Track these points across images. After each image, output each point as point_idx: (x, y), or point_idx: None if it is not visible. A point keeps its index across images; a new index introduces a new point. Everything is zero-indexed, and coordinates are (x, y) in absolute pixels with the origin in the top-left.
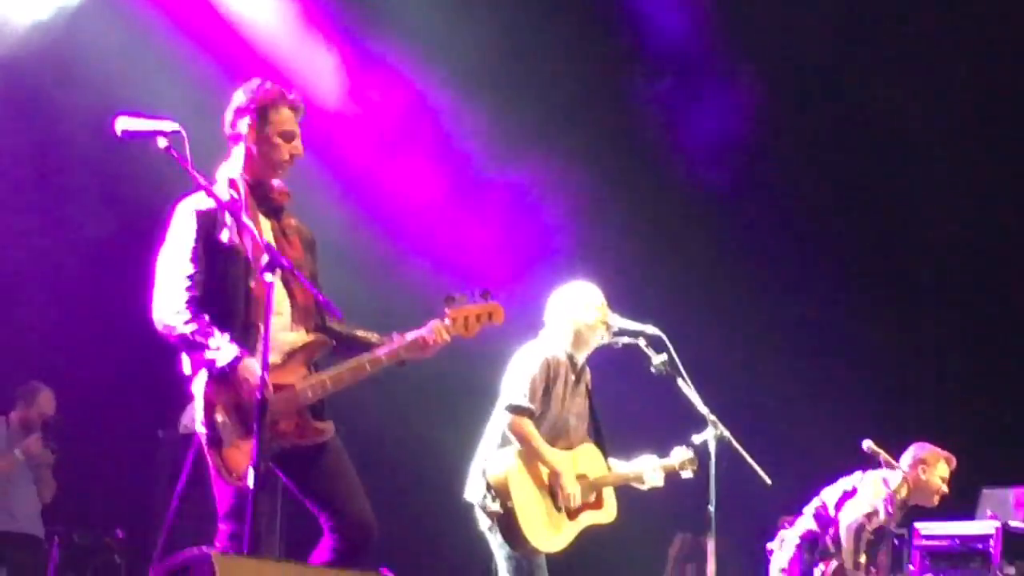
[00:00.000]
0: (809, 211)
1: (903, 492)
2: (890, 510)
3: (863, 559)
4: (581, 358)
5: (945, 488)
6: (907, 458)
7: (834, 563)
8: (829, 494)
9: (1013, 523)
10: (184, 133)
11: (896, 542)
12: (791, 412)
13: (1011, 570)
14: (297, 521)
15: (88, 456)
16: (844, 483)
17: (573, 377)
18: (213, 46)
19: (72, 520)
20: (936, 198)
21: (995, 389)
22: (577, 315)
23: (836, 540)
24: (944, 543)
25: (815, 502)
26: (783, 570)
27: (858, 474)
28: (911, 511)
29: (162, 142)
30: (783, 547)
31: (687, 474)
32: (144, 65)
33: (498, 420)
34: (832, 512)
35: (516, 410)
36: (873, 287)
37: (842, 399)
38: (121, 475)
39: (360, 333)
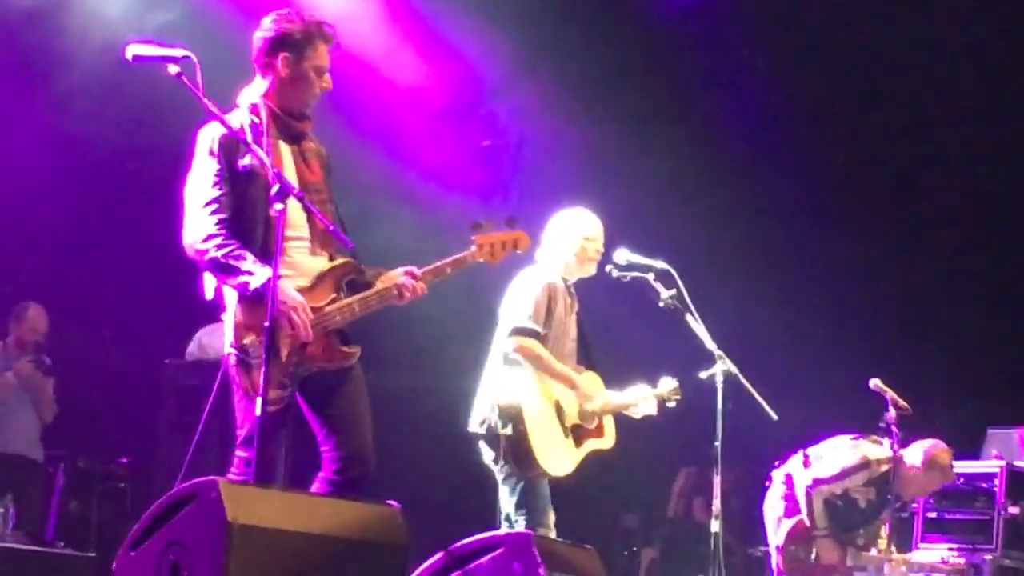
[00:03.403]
0: (821, 150)
1: (882, 468)
2: (856, 480)
3: (823, 521)
4: (572, 282)
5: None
6: (917, 450)
7: (796, 520)
8: (827, 446)
9: (1018, 463)
10: (195, 60)
11: (903, 515)
12: (798, 349)
13: (1015, 509)
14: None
15: (94, 383)
16: (840, 440)
17: (569, 300)
18: None
19: (77, 446)
20: (951, 128)
21: (1001, 330)
22: (571, 243)
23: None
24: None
25: (813, 449)
26: (774, 507)
27: (848, 438)
28: None
29: (173, 69)
30: (773, 486)
31: (671, 404)
32: None
33: (502, 346)
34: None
35: (522, 332)
36: (883, 224)
37: (850, 337)
38: (126, 402)
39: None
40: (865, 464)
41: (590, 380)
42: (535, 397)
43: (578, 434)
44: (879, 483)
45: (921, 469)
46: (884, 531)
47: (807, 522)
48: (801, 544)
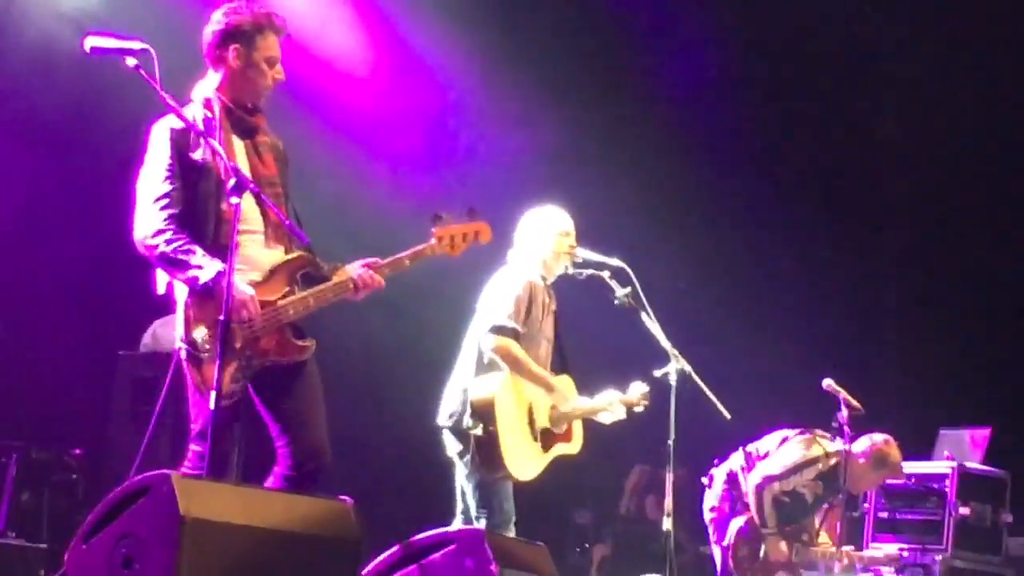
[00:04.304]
0: (777, 153)
1: (831, 461)
2: (806, 476)
3: (773, 520)
4: (550, 282)
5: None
6: (865, 444)
7: (745, 518)
8: (769, 441)
9: (969, 464)
10: (153, 53)
11: (855, 514)
12: (750, 348)
13: (966, 510)
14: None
15: (47, 373)
16: (781, 435)
17: (547, 301)
18: None
19: (29, 436)
20: (906, 132)
21: (953, 331)
22: (545, 241)
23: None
24: (900, 482)
25: (753, 445)
26: (713, 508)
27: (793, 432)
28: None
29: (131, 61)
30: (712, 484)
31: (639, 409)
32: None
33: (477, 342)
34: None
35: (501, 330)
36: (836, 226)
37: (802, 337)
38: (80, 393)
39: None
40: (815, 459)
41: (563, 384)
42: (508, 399)
43: (547, 438)
44: (827, 477)
45: (867, 464)
46: (817, 522)
47: (756, 520)
48: (750, 543)
